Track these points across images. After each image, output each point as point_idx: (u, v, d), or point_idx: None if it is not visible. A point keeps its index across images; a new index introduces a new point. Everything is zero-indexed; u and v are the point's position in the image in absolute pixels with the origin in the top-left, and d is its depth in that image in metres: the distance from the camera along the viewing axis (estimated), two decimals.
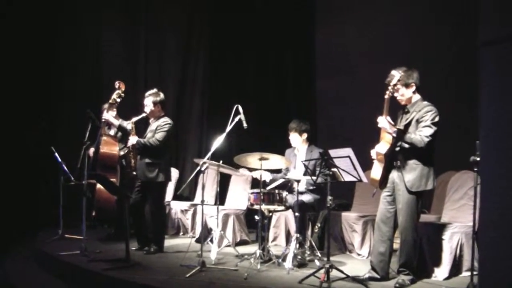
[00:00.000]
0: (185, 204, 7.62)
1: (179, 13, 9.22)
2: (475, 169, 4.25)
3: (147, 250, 6.00)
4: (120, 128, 6.40)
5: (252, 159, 5.50)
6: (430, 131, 4.38)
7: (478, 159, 4.12)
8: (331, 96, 8.52)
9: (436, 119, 4.43)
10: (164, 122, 6.07)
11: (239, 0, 9.17)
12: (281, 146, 6.41)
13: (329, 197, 4.65)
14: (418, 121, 4.49)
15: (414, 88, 4.59)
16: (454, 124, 6.32)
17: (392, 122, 4.50)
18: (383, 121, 4.45)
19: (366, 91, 7.14)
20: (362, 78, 7.69)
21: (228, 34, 9.19)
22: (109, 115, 6.50)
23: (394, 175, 4.61)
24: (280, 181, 5.99)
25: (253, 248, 5.91)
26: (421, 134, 4.38)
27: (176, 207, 7.68)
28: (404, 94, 4.60)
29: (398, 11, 7.57)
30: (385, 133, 4.53)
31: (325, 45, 8.72)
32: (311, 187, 5.89)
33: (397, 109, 4.79)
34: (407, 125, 4.58)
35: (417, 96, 4.63)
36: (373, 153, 4.66)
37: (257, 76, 9.14)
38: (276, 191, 5.56)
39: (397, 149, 4.52)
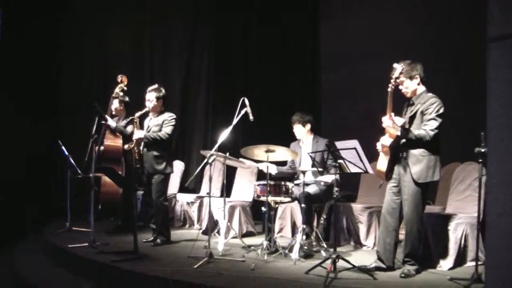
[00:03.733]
0: (191, 197, 7.67)
1: (184, 8, 9.25)
2: (480, 160, 4.27)
3: (154, 242, 6.07)
4: (117, 130, 6.48)
5: (259, 152, 5.54)
6: (435, 123, 4.42)
7: (483, 150, 4.15)
8: (336, 90, 8.55)
9: (441, 110, 4.46)
10: (171, 116, 6.18)
11: None
12: (287, 140, 6.43)
13: (336, 188, 4.70)
14: (422, 113, 4.51)
15: (418, 80, 4.62)
16: (458, 116, 6.35)
17: (396, 121, 4.50)
18: (388, 122, 4.48)
19: (371, 84, 7.16)
20: (367, 71, 7.71)
21: (233, 28, 9.23)
22: (109, 119, 6.56)
23: (400, 166, 4.64)
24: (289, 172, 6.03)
25: (259, 240, 5.97)
26: (426, 128, 4.42)
27: (182, 200, 7.74)
28: (409, 86, 4.63)
29: (404, 5, 7.58)
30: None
31: (330, 39, 8.76)
32: (322, 183, 5.92)
33: (401, 103, 4.83)
34: (412, 117, 4.60)
35: (422, 88, 4.65)
36: (378, 145, 4.69)
37: (262, 69, 9.17)
38: (282, 182, 5.61)
39: (403, 141, 4.56)
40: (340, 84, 8.43)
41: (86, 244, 5.76)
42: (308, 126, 6.12)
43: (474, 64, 5.27)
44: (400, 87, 4.62)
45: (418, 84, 4.63)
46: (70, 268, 5.53)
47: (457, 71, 6.72)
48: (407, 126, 4.53)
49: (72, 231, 6.79)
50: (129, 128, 6.39)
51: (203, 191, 7.87)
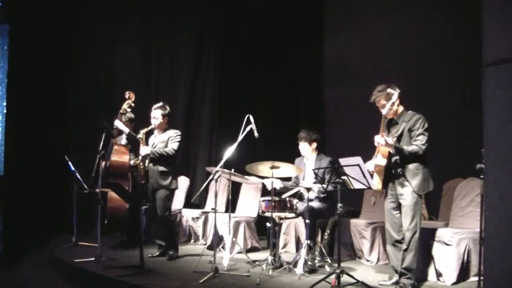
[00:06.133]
0: (196, 212, 7.72)
1: (190, 21, 9.37)
2: (482, 176, 4.34)
3: (169, 256, 6.15)
4: (129, 135, 6.50)
5: (264, 168, 5.60)
6: (425, 138, 4.66)
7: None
8: (339, 105, 8.62)
9: (426, 125, 4.71)
10: (176, 133, 6.29)
11: (250, 11, 9.33)
12: (290, 155, 6.50)
13: (339, 204, 4.77)
14: (410, 130, 4.74)
15: (397, 101, 4.80)
16: (461, 132, 6.41)
17: (389, 140, 4.69)
18: (381, 140, 4.67)
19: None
20: (369, 87, 7.76)
21: (238, 44, 9.34)
22: (119, 122, 6.62)
23: (396, 182, 4.76)
24: (295, 189, 6.07)
25: (264, 255, 6.03)
26: (417, 143, 4.64)
27: (187, 215, 7.80)
28: (391, 108, 4.80)
29: (407, 22, 7.67)
30: (381, 147, 4.72)
31: (333, 54, 8.84)
32: (321, 195, 5.98)
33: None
34: (400, 136, 4.80)
35: (401, 108, 4.87)
36: (370, 164, 4.80)
37: (267, 85, 9.26)
38: (287, 198, 5.68)
39: (396, 158, 4.71)
40: (343, 100, 8.50)
41: (93, 258, 5.82)
42: (314, 144, 6.15)
43: (478, 82, 5.33)
44: (382, 110, 4.79)
45: (398, 105, 4.83)
46: (77, 283, 5.57)
47: (460, 88, 6.76)
48: (396, 145, 4.73)
49: (78, 246, 6.84)
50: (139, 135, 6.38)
51: (208, 206, 7.92)
